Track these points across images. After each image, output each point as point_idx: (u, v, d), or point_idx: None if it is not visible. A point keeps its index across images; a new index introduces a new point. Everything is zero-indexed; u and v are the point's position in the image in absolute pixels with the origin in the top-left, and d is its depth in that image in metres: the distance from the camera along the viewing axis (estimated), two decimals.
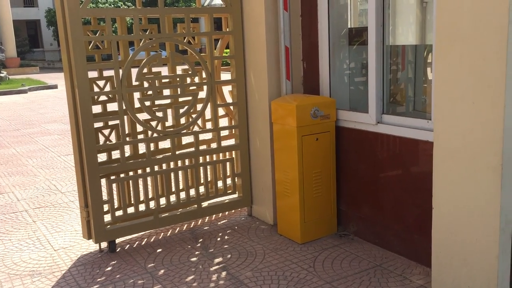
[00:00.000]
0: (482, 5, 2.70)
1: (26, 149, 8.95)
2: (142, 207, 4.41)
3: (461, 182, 2.95)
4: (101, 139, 4.22)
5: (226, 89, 4.92)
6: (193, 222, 4.82)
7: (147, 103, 4.33)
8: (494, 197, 2.78)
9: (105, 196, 4.26)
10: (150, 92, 4.30)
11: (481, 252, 2.90)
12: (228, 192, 4.82)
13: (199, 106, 4.59)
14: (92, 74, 4.03)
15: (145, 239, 4.47)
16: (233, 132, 4.92)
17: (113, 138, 4.31)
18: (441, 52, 2.96)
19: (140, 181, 4.40)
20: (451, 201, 3.03)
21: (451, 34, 2.87)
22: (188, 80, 4.52)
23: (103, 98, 4.21)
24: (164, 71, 4.39)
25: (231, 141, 4.93)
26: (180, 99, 4.53)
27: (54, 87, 22.13)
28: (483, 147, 2.80)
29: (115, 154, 4.40)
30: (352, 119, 4.11)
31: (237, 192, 4.87)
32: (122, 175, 4.30)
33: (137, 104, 4.31)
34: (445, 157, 3.03)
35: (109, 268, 3.94)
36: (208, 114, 4.63)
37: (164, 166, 4.51)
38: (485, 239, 2.86)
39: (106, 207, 4.22)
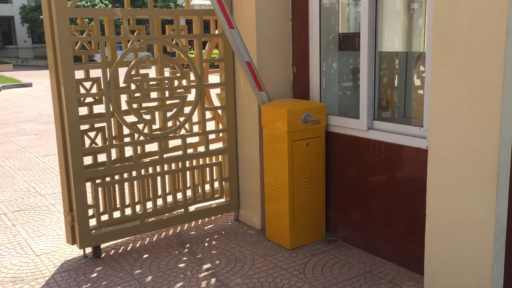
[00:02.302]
0: (480, 14, 2.70)
1: (2, 149, 8.71)
2: (128, 211, 4.32)
3: (456, 190, 2.96)
4: (87, 141, 4.12)
5: (213, 92, 4.85)
6: (179, 227, 4.75)
7: (135, 106, 4.25)
8: (489, 206, 2.79)
9: (90, 200, 4.16)
10: (137, 94, 4.22)
11: (475, 260, 2.91)
12: (215, 196, 4.75)
13: (187, 109, 4.52)
14: (78, 75, 3.92)
15: (131, 244, 4.38)
16: (220, 135, 4.87)
17: (98, 140, 4.21)
18: (437, 60, 2.96)
19: (126, 185, 4.31)
20: (445, 209, 3.03)
21: (448, 42, 2.88)
22: (176, 82, 4.45)
23: (89, 99, 4.11)
24: (151, 72, 4.31)
25: (219, 145, 4.87)
26: (168, 102, 4.45)
27: (29, 85, 21.67)
28: (479, 156, 2.81)
29: (101, 157, 4.29)
30: (343, 125, 4.10)
31: (224, 196, 4.82)
32: (108, 179, 4.20)
33: (124, 107, 4.22)
34: (440, 165, 3.03)
35: (94, 275, 3.84)
36: (195, 117, 4.57)
37: (150, 169, 4.42)
38: (479, 248, 2.88)
39: (91, 212, 4.11)
